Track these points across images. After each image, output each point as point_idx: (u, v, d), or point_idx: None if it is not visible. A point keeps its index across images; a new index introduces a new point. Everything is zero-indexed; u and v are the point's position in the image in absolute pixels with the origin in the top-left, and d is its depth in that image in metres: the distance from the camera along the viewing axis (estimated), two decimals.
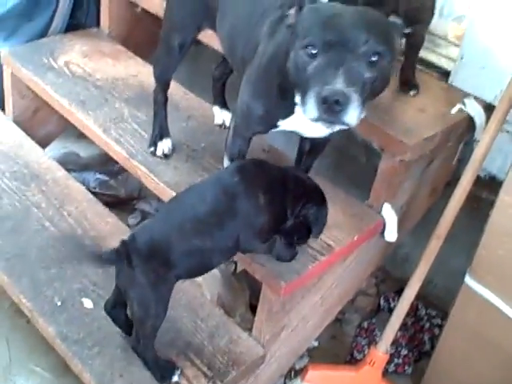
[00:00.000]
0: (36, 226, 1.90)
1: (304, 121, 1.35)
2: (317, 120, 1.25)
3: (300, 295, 1.68)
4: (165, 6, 1.84)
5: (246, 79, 1.55)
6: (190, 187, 1.56)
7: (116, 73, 2.25)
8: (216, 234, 1.45)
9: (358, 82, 1.21)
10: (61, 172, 2.13)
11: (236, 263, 2.15)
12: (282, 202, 1.51)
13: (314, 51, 1.24)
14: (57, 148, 2.65)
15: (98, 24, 2.54)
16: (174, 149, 1.90)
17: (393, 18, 1.34)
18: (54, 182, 2.07)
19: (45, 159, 2.17)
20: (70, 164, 2.51)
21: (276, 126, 1.53)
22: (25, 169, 2.10)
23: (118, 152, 1.91)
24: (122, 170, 2.61)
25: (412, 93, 1.88)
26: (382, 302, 2.26)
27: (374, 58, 1.23)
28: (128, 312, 1.55)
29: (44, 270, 1.77)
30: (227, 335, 1.69)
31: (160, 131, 1.89)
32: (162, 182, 1.79)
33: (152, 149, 1.87)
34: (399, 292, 2.18)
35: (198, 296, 1.79)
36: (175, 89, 2.18)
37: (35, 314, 1.66)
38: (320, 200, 1.57)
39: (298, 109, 1.42)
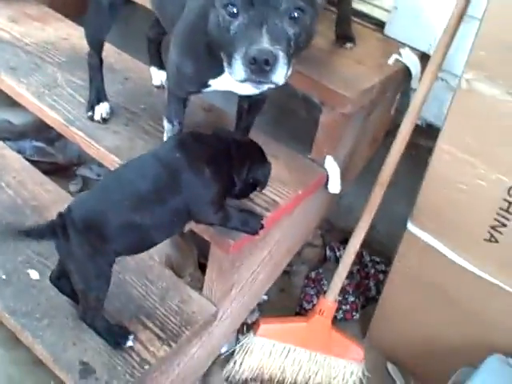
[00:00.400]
0: None
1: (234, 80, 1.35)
2: (245, 81, 1.23)
3: (248, 251, 1.70)
4: None
5: (174, 39, 1.52)
6: (128, 162, 1.53)
7: (46, 37, 2.17)
8: (157, 210, 1.43)
9: (283, 39, 1.21)
10: None
11: None
12: (227, 170, 1.50)
13: (234, 10, 1.22)
14: None
15: None
16: (112, 112, 1.86)
17: None
18: None
19: None
20: (4, 132, 2.43)
21: (207, 86, 1.52)
22: None
23: (54, 118, 1.85)
24: (60, 136, 2.54)
25: (349, 45, 1.89)
26: (328, 252, 2.31)
27: (295, 14, 1.22)
28: None
29: None
30: (178, 296, 1.70)
31: (97, 95, 1.85)
32: (103, 146, 1.75)
33: (90, 113, 1.83)
34: (344, 242, 2.24)
35: (146, 259, 1.78)
36: (109, 50, 2.12)
37: None
38: (264, 159, 1.58)
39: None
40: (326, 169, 1.83)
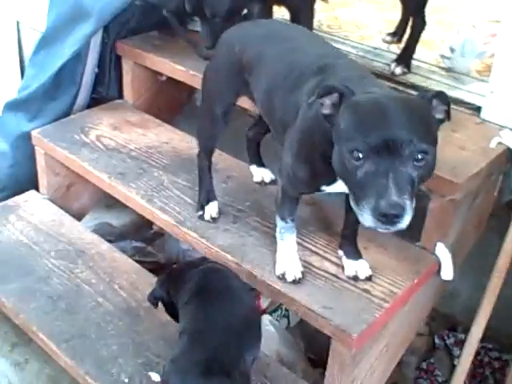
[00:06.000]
0: (90, 303, 1.89)
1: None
2: (371, 227, 1.27)
3: (368, 345, 1.67)
4: (202, 78, 1.88)
5: (289, 143, 1.55)
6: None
7: (148, 142, 2.28)
8: None
9: (408, 185, 1.23)
10: (105, 245, 2.14)
11: (289, 318, 2.14)
12: None
13: (360, 155, 1.24)
14: (89, 220, 2.66)
15: (119, 96, 2.59)
16: (219, 211, 1.92)
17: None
18: (99, 256, 2.07)
19: (86, 234, 2.19)
20: (105, 235, 2.51)
21: (321, 191, 1.55)
22: (69, 246, 2.10)
23: (165, 220, 1.92)
24: (158, 235, 2.63)
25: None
26: (437, 340, 2.24)
27: (419, 156, 1.23)
28: None
29: (105, 348, 1.76)
30: None
31: (206, 195, 1.91)
32: (216, 246, 1.79)
33: (200, 213, 1.89)
34: (452, 329, 2.18)
35: (262, 357, 1.77)
36: None
37: None
38: None
39: None
40: (437, 256, 1.81)
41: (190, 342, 1.47)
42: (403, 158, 1.22)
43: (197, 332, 1.49)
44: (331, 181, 1.48)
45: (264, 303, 2.17)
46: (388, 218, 1.21)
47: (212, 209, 1.89)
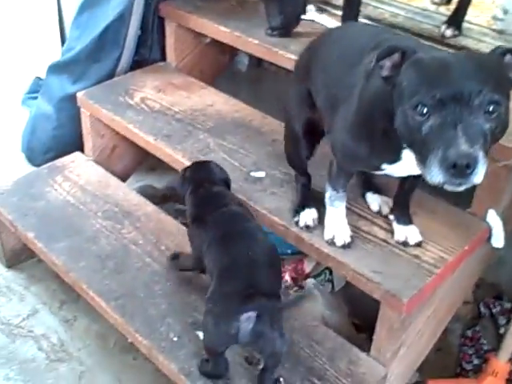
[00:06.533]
0: (137, 263, 1.91)
1: (411, 165, 1.32)
2: (441, 184, 1.18)
3: (417, 310, 1.66)
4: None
5: (343, 121, 1.50)
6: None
7: (192, 104, 2.28)
8: None
9: (479, 137, 1.15)
10: (150, 207, 2.15)
11: (333, 282, 2.14)
12: None
13: (425, 110, 1.18)
14: (132, 182, 2.67)
15: (161, 58, 2.58)
16: (266, 174, 1.91)
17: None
18: (146, 218, 2.09)
19: (132, 195, 2.20)
20: (149, 197, 2.52)
21: (380, 170, 1.50)
22: (115, 207, 2.12)
23: None
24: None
25: None
26: (482, 308, 2.21)
27: (490, 108, 1.16)
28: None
29: (154, 307, 1.77)
30: (346, 357, 1.68)
31: (302, 201, 1.79)
32: (263, 208, 1.79)
33: (296, 219, 1.76)
34: (498, 297, 2.15)
35: (309, 319, 1.78)
36: (255, 114, 2.22)
37: (154, 351, 1.67)
38: None
39: (405, 154, 1.39)
40: (487, 222, 1.78)
41: (221, 279, 1.51)
42: (473, 109, 1.15)
43: (224, 269, 1.52)
44: (394, 159, 1.43)
45: (308, 267, 2.17)
46: (458, 169, 1.13)
47: (308, 216, 1.75)
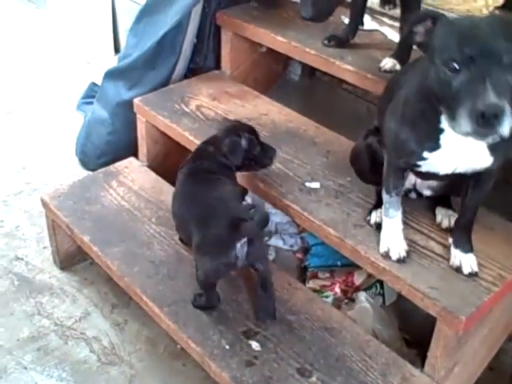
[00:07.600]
0: (190, 269, 1.91)
1: (453, 152, 1.40)
2: (469, 134, 1.26)
3: (473, 328, 1.63)
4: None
5: (392, 107, 1.58)
6: None
7: (247, 113, 2.29)
8: None
9: (507, 91, 1.23)
10: None
11: (384, 296, 2.12)
12: None
13: (455, 65, 1.26)
14: None
15: (216, 66, 2.61)
16: (320, 185, 1.91)
17: None
18: None
19: None
20: None
21: (423, 159, 1.52)
22: (168, 213, 2.13)
23: (266, 192, 1.92)
24: (250, 207, 2.63)
25: None
26: None
27: None
28: None
29: (206, 314, 1.78)
30: (400, 373, 1.65)
31: (377, 202, 1.79)
32: (318, 220, 1.79)
33: (368, 218, 1.79)
34: None
35: (361, 333, 1.76)
36: (308, 124, 2.22)
37: (206, 358, 1.67)
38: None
39: (444, 141, 1.44)
40: None
41: (201, 225, 1.69)
42: (501, 65, 1.23)
43: (200, 216, 1.71)
44: (433, 146, 1.47)
45: (358, 280, 2.15)
46: (486, 119, 1.20)
47: (379, 214, 1.75)
